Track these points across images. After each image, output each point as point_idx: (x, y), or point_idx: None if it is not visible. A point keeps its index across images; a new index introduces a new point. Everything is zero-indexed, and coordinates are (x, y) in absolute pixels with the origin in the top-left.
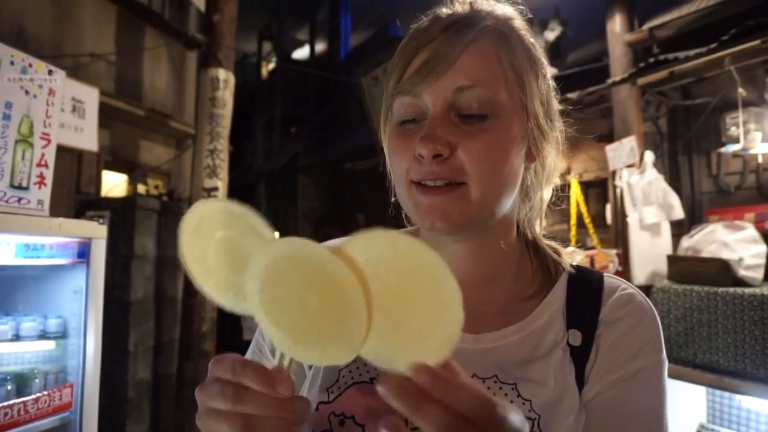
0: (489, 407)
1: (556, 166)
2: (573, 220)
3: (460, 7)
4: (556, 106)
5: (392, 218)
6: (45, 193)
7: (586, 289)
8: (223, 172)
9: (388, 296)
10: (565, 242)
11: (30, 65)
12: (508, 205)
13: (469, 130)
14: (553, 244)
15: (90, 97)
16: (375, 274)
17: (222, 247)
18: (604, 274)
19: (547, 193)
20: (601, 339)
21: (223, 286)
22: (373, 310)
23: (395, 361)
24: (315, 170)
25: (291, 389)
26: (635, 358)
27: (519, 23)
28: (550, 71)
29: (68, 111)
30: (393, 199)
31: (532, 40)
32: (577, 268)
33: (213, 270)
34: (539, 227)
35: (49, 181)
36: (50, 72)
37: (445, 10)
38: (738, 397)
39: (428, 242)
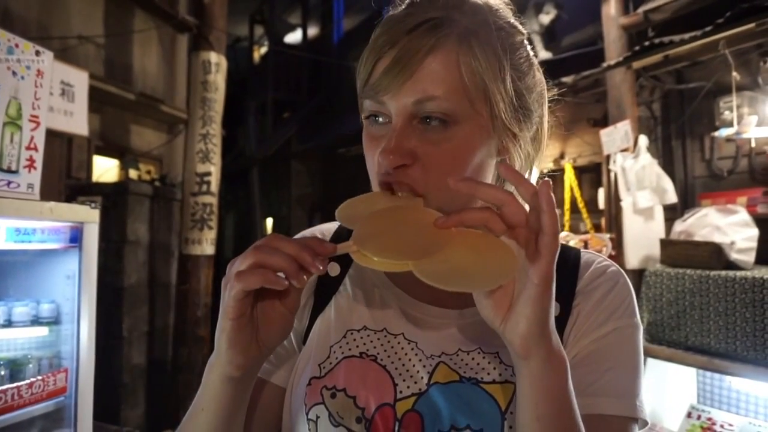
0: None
1: (530, 157)
2: (567, 205)
3: None
4: (539, 88)
5: None
6: (35, 177)
7: (564, 263)
8: (216, 157)
9: (462, 248)
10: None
11: (16, 45)
12: (474, 203)
13: (430, 138)
14: None
15: (79, 80)
16: (461, 236)
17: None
18: (581, 249)
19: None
20: (579, 308)
21: (353, 214)
22: (445, 249)
23: (449, 280)
24: (308, 155)
25: (331, 252)
26: (608, 320)
27: (492, 9)
28: (544, 54)
29: (57, 94)
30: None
31: (509, 21)
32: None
33: (356, 210)
34: None
35: (39, 164)
36: (37, 53)
37: None
38: (728, 378)
39: None
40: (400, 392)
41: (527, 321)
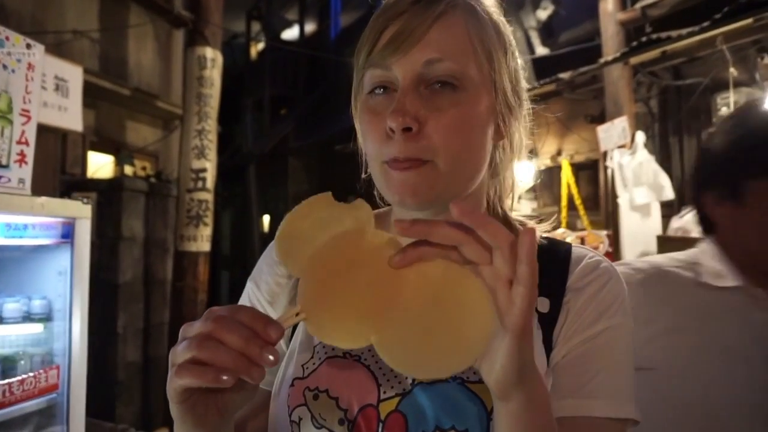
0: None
1: (524, 143)
2: (564, 202)
3: None
4: (524, 85)
5: (382, 200)
6: (26, 172)
7: (554, 258)
8: (212, 153)
9: (431, 311)
10: (556, 225)
11: (7, 38)
12: (476, 180)
13: (437, 104)
14: (522, 219)
15: (73, 75)
16: (431, 291)
17: (323, 222)
18: (573, 244)
19: (516, 171)
20: (569, 305)
21: (295, 246)
22: (412, 315)
23: (415, 367)
24: (305, 152)
25: (278, 336)
26: (600, 319)
27: (488, 1)
28: (541, 50)
29: (51, 89)
30: (364, 176)
31: (501, 18)
32: (547, 239)
33: (299, 234)
34: (511, 203)
35: (30, 159)
36: (28, 46)
37: None
38: None
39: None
40: (384, 393)
41: (503, 369)
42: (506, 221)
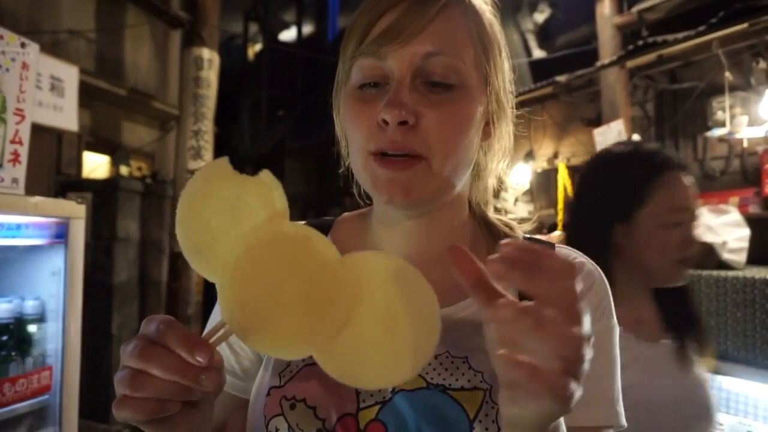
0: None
1: (511, 144)
2: (560, 205)
3: None
4: (512, 88)
5: (362, 198)
6: (20, 171)
7: None
8: (208, 154)
9: (371, 315)
10: (553, 227)
11: (1, 37)
12: (464, 180)
13: (434, 100)
14: (505, 219)
15: (69, 75)
16: (367, 292)
17: (228, 205)
18: (557, 245)
19: (498, 171)
20: None
21: (203, 242)
22: (350, 322)
23: (359, 377)
24: (302, 153)
25: (208, 358)
26: None
27: (485, 0)
28: (538, 53)
29: (46, 89)
30: (341, 170)
31: (496, 18)
32: (530, 239)
33: (203, 224)
34: (491, 205)
35: (24, 158)
36: (23, 45)
37: None
38: (718, 378)
39: (381, 219)
40: (363, 401)
41: (527, 420)
42: (488, 223)
